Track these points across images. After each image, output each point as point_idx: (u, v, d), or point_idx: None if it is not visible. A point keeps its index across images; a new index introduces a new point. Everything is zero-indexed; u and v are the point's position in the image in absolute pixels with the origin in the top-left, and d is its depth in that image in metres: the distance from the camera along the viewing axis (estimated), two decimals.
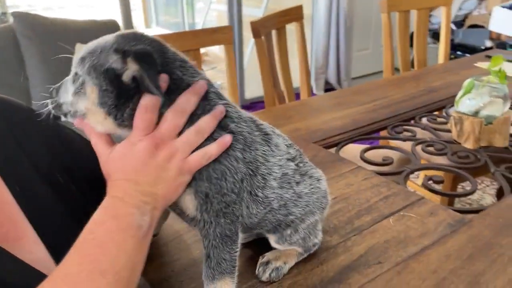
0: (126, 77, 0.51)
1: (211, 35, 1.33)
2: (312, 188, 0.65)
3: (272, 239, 0.67)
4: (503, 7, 3.14)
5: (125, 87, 0.51)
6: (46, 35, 2.17)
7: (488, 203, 2.17)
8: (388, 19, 1.83)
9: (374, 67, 4.24)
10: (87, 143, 0.65)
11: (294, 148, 0.65)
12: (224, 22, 4.93)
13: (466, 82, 1.07)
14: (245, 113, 0.60)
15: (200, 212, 0.54)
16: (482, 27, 3.50)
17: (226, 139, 0.53)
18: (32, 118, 0.57)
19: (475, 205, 2.16)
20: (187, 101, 0.52)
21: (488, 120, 1.06)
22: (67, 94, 0.55)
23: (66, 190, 0.58)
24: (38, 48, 2.15)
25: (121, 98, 0.51)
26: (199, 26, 5.27)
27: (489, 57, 1.84)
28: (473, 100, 1.07)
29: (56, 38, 2.20)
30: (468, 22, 3.62)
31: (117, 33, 0.55)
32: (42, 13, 2.27)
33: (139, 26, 5.55)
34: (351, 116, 1.27)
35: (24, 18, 2.16)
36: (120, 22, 2.59)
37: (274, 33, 1.60)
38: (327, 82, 3.89)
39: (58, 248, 0.52)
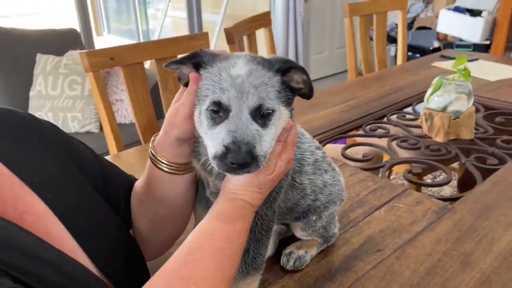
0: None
1: (188, 42, 1.34)
2: (335, 180, 0.71)
3: (298, 227, 0.71)
4: (449, 9, 3.36)
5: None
6: (3, 46, 2.08)
7: (448, 194, 2.31)
8: (351, 23, 1.92)
9: (330, 69, 4.38)
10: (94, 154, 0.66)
11: (314, 140, 0.70)
12: (181, 28, 4.91)
13: (435, 81, 1.16)
14: None
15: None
16: (429, 28, 3.72)
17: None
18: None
19: (436, 195, 2.29)
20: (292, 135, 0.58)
21: (455, 115, 1.15)
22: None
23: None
24: None
25: None
26: (153, 33, 5.21)
27: (443, 57, 1.97)
28: (441, 97, 1.16)
29: (14, 49, 2.12)
30: (416, 24, 3.83)
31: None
32: None
33: None
34: (328, 116, 1.33)
35: None
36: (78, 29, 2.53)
37: (245, 38, 1.64)
38: None
39: (96, 253, 0.53)
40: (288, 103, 0.54)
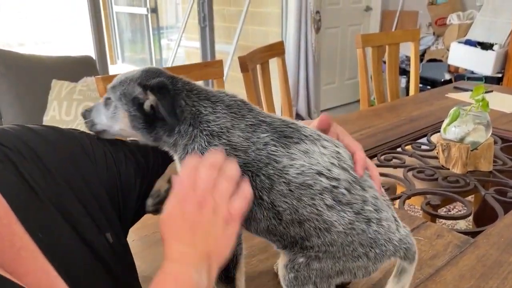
0: (146, 106, 0.60)
1: (203, 69, 1.35)
2: (352, 227, 0.57)
3: (281, 260, 0.63)
4: (460, 42, 3.38)
5: (149, 113, 0.61)
6: (20, 72, 2.12)
7: (463, 227, 2.25)
8: (363, 54, 1.93)
9: (341, 100, 4.40)
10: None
11: (351, 175, 0.59)
12: (193, 57, 5.00)
13: (452, 111, 1.14)
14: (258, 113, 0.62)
15: None
16: (440, 61, 3.74)
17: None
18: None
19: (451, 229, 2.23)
20: (214, 154, 0.54)
21: (473, 146, 1.13)
22: (100, 116, 0.64)
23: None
24: (11, 84, 2.09)
25: (147, 122, 0.61)
26: (166, 62, 5.31)
27: (457, 88, 1.96)
28: (458, 128, 1.14)
29: (30, 75, 2.16)
30: (427, 57, 3.85)
31: (143, 68, 0.64)
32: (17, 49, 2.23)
33: None
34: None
35: None
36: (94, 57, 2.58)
37: (258, 67, 1.65)
38: (297, 114, 3.98)
39: None
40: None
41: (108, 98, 0.63)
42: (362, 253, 0.58)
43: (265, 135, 0.59)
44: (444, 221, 2.29)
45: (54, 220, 0.51)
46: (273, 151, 0.58)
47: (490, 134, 1.15)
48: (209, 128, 0.59)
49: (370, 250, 0.59)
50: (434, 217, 1.06)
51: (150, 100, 0.60)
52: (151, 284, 0.47)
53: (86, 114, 0.66)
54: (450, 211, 2.34)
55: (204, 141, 0.59)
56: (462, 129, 1.13)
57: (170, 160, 0.66)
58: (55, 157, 0.55)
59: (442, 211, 2.33)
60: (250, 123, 0.60)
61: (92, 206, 0.55)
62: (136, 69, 0.64)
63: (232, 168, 0.54)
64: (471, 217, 2.03)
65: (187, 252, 0.49)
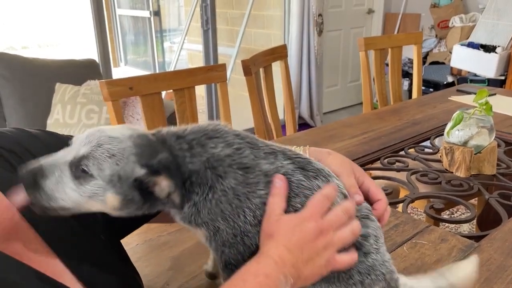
0: (161, 193, 0.51)
1: (206, 73, 1.35)
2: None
3: None
4: (462, 45, 3.38)
5: (154, 196, 0.51)
6: (23, 75, 2.14)
7: (466, 230, 2.24)
8: (366, 57, 1.93)
9: (343, 102, 4.40)
10: None
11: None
12: (196, 60, 5.01)
13: (455, 115, 1.14)
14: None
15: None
16: (443, 63, 3.73)
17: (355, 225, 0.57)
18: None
19: (454, 232, 2.23)
20: (350, 202, 0.58)
21: (476, 150, 1.13)
22: (63, 190, 0.48)
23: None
24: (15, 88, 2.10)
25: (146, 203, 0.51)
26: (168, 65, 5.33)
27: (460, 91, 1.96)
28: (462, 131, 1.14)
29: (34, 78, 2.17)
30: (430, 59, 3.85)
31: (127, 133, 0.51)
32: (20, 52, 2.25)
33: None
34: (346, 148, 1.31)
35: (0, 58, 2.12)
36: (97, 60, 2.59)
37: (261, 71, 1.65)
38: (300, 117, 3.98)
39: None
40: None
41: (84, 171, 0.47)
42: (358, 281, 0.58)
43: (287, 162, 0.57)
44: (447, 224, 2.29)
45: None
46: (299, 180, 0.56)
47: (493, 137, 1.15)
48: (234, 164, 0.54)
49: (367, 277, 0.58)
50: (437, 221, 1.06)
51: (165, 187, 0.50)
52: (242, 268, 0.50)
53: (30, 182, 0.46)
54: (453, 214, 2.34)
55: (238, 176, 0.53)
56: (466, 132, 1.13)
57: None
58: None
59: (445, 214, 2.32)
60: (267, 151, 0.57)
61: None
62: (116, 133, 0.50)
63: (357, 224, 0.57)
64: (474, 221, 2.03)
65: (287, 261, 0.51)
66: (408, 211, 2.20)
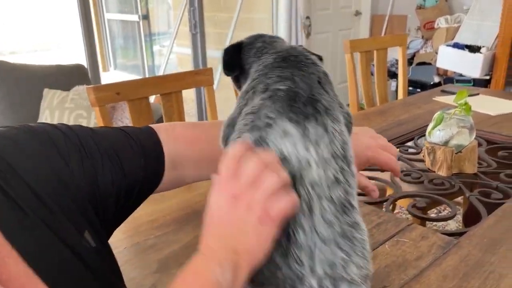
0: None
1: (193, 77, 1.37)
2: None
3: None
4: (448, 45, 3.43)
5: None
6: (11, 81, 2.13)
7: (453, 228, 2.28)
8: (352, 59, 1.96)
9: None
10: None
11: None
12: (185, 63, 5.02)
13: (436, 115, 1.17)
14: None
15: None
16: (429, 64, 3.78)
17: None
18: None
19: (441, 230, 2.26)
20: (267, 152, 0.50)
21: (457, 149, 1.16)
22: None
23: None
24: (3, 94, 2.10)
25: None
26: (158, 68, 5.33)
27: (444, 91, 2.00)
28: (443, 131, 1.17)
29: (22, 84, 2.17)
30: (416, 60, 3.90)
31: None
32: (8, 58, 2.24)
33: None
34: None
35: None
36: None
37: None
38: None
39: None
40: None
41: None
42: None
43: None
44: (435, 223, 2.32)
45: (33, 226, 0.49)
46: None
47: (474, 137, 1.18)
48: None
49: None
50: (420, 219, 1.08)
51: None
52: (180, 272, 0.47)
53: None
54: (440, 213, 2.37)
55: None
56: (447, 132, 1.16)
57: (153, 162, 0.66)
58: (29, 165, 0.52)
59: (432, 212, 2.36)
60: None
61: (71, 210, 0.53)
62: None
63: (282, 171, 0.49)
64: (461, 219, 2.07)
65: (213, 246, 0.47)
66: (397, 211, 2.23)
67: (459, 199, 1.81)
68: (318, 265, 0.48)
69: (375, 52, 2.07)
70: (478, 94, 1.90)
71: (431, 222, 2.26)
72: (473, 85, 3.16)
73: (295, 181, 0.49)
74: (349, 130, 0.59)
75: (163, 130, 0.70)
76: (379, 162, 0.82)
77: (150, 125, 0.71)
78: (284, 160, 0.50)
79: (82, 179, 0.56)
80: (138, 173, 0.63)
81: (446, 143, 1.17)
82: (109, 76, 5.50)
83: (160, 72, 4.78)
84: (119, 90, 1.23)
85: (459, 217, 2.03)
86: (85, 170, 0.56)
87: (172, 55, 5.05)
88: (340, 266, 0.49)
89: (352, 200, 0.52)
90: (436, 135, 1.18)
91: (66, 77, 2.29)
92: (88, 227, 0.56)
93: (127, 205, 0.63)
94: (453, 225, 2.38)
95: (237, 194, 0.47)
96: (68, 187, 0.54)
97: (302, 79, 0.55)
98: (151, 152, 0.66)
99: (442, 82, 3.56)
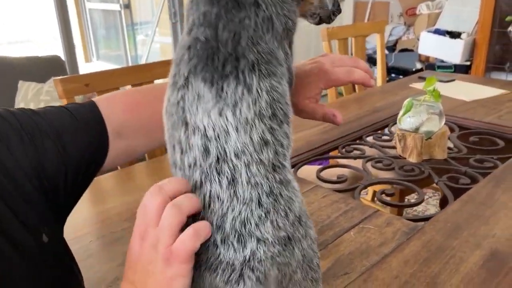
0: None
1: (164, 68, 1.35)
2: None
3: None
4: (429, 31, 3.44)
5: None
6: None
7: (432, 213, 2.31)
8: (329, 47, 1.96)
9: None
10: None
11: None
12: (169, 53, 4.96)
13: (406, 102, 1.17)
14: None
15: None
16: (411, 50, 3.80)
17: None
18: None
19: (421, 215, 2.30)
20: (175, 182, 0.47)
21: (427, 135, 1.16)
22: None
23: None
24: None
25: None
26: (141, 58, 5.27)
27: (421, 78, 2.01)
28: (413, 118, 1.17)
29: None
30: (399, 47, 3.91)
31: None
32: None
33: (79, 61, 5.48)
34: (306, 138, 1.33)
35: None
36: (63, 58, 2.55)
37: None
38: None
39: None
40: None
41: None
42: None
43: None
44: (415, 208, 2.35)
45: None
46: None
47: (443, 123, 1.19)
48: None
49: None
50: (390, 207, 1.09)
51: None
52: None
53: None
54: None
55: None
56: (417, 119, 1.16)
57: (97, 136, 0.64)
58: None
59: (413, 198, 2.38)
60: None
61: (19, 205, 0.51)
62: None
63: (189, 200, 0.45)
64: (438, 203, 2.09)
65: None
66: (375, 199, 2.23)
67: (436, 185, 1.83)
68: (227, 223, 0.45)
69: (353, 39, 2.07)
70: (454, 80, 1.92)
71: (411, 208, 2.29)
72: (454, 71, 3.18)
73: (219, 161, 0.45)
74: (290, 84, 0.56)
75: (104, 100, 0.68)
76: (333, 81, 0.75)
77: (93, 99, 0.69)
78: (205, 137, 0.45)
79: (26, 163, 0.54)
80: (82, 150, 0.61)
81: (416, 130, 1.17)
82: (92, 67, 5.43)
83: (143, 62, 4.73)
84: (88, 81, 1.21)
85: (437, 202, 2.06)
86: (28, 154, 0.54)
87: (156, 45, 4.99)
88: (253, 224, 0.45)
89: (283, 161, 0.49)
90: (406, 122, 1.18)
91: (41, 69, 2.25)
92: (39, 222, 0.54)
93: (76, 183, 0.61)
94: (433, 210, 2.41)
95: (143, 234, 0.45)
96: (12, 174, 0.52)
97: (227, 26, 0.47)
98: (94, 126, 0.64)
99: (424, 68, 3.58)
